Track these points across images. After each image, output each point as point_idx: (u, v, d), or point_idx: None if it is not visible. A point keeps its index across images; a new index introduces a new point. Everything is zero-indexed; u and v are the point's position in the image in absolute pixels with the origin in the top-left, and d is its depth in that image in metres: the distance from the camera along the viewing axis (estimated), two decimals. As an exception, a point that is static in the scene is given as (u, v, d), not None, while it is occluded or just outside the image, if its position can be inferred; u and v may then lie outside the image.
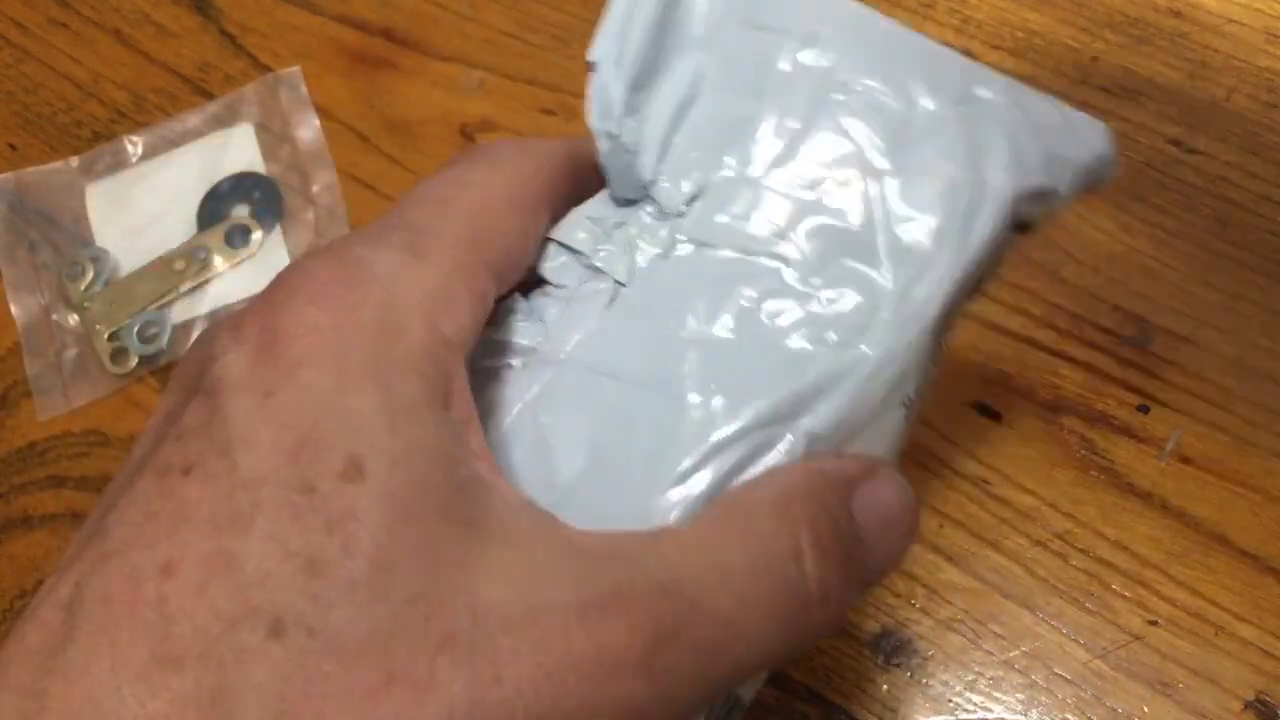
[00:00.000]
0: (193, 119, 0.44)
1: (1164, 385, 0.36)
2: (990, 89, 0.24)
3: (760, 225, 0.23)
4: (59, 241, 0.43)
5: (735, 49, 0.24)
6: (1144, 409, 0.36)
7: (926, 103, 0.24)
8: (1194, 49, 0.42)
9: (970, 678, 0.32)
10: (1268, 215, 0.39)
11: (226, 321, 0.20)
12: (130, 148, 0.44)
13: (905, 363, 0.22)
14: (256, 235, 0.42)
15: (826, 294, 0.22)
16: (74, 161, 0.44)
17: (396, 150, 0.43)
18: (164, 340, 0.41)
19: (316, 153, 0.43)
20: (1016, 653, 0.32)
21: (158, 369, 0.40)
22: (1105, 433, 0.35)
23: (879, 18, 0.25)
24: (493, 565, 0.19)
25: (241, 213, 0.42)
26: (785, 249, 0.23)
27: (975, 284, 0.24)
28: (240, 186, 0.43)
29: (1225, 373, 0.36)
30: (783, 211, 0.23)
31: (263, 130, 0.44)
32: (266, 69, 0.45)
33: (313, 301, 0.20)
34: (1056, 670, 0.32)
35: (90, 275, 0.41)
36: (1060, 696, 0.32)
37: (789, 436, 0.21)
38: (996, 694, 0.32)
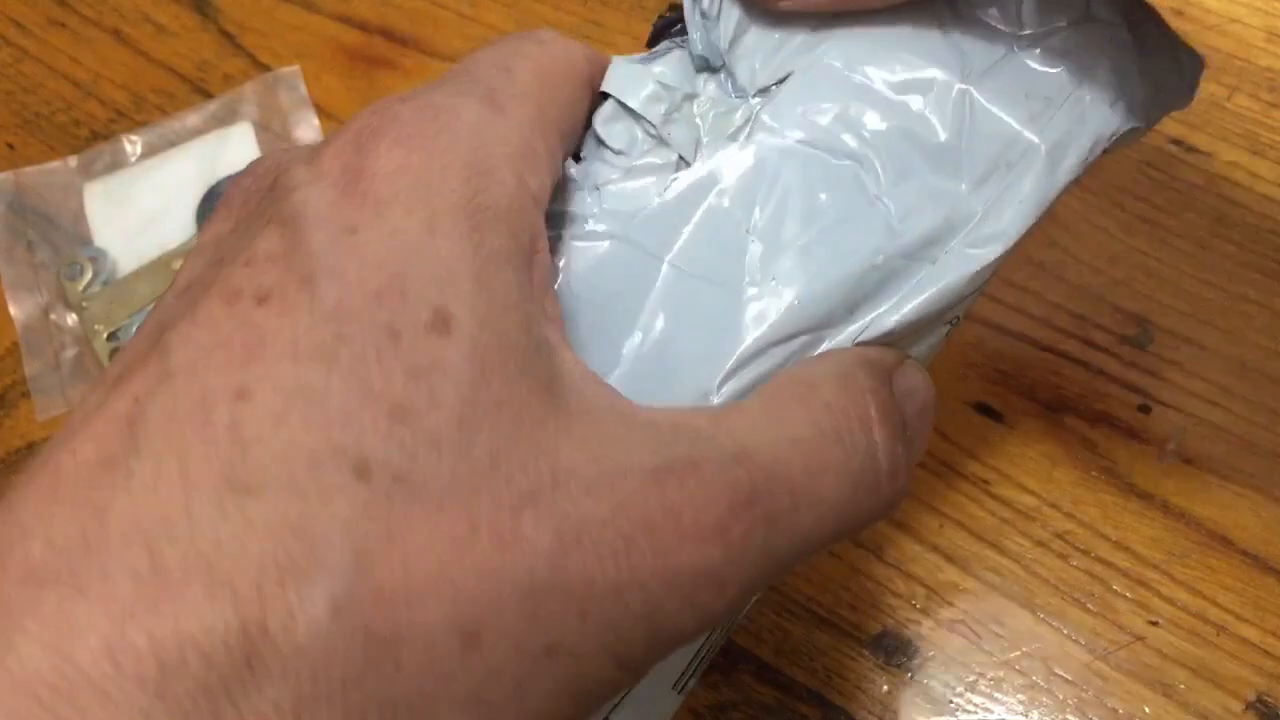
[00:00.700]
0: (192, 118, 0.44)
1: (1165, 385, 0.36)
2: (1110, 9, 0.23)
3: (842, 123, 0.22)
4: (58, 241, 0.43)
5: None
6: (1145, 409, 0.36)
7: (1034, 22, 0.23)
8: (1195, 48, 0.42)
9: (971, 678, 0.32)
10: (1268, 215, 0.39)
11: (298, 154, 0.20)
12: (129, 147, 0.44)
13: (969, 288, 0.22)
14: (256, 235, 0.42)
15: (903, 205, 0.22)
16: (73, 161, 0.44)
17: (396, 150, 0.43)
18: (163, 340, 0.40)
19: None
20: (1017, 653, 0.32)
21: (157, 369, 0.40)
22: (1106, 433, 0.35)
23: None
24: (570, 429, 0.18)
25: (240, 212, 0.42)
26: (866, 151, 0.22)
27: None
28: (239, 186, 0.43)
29: (1226, 373, 0.36)
30: (868, 112, 0.22)
31: (262, 129, 0.44)
32: (265, 68, 0.45)
33: (401, 143, 0.19)
34: (1057, 671, 0.32)
35: (89, 275, 0.41)
36: (1061, 697, 0.32)
37: (841, 339, 0.21)
38: (997, 695, 0.32)
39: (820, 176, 0.22)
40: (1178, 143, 0.40)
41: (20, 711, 0.14)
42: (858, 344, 0.21)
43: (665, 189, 0.22)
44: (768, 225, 0.21)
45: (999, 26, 0.24)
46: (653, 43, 0.24)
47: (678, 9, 0.24)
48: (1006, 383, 0.36)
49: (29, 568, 0.15)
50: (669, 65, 0.23)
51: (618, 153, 0.22)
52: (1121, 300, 0.37)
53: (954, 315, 0.22)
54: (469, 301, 0.18)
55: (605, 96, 0.23)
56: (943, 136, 0.22)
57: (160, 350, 0.17)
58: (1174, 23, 0.42)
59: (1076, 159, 0.23)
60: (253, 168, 0.21)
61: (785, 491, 0.19)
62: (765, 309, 0.21)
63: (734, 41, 0.23)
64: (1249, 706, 0.31)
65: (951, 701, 0.32)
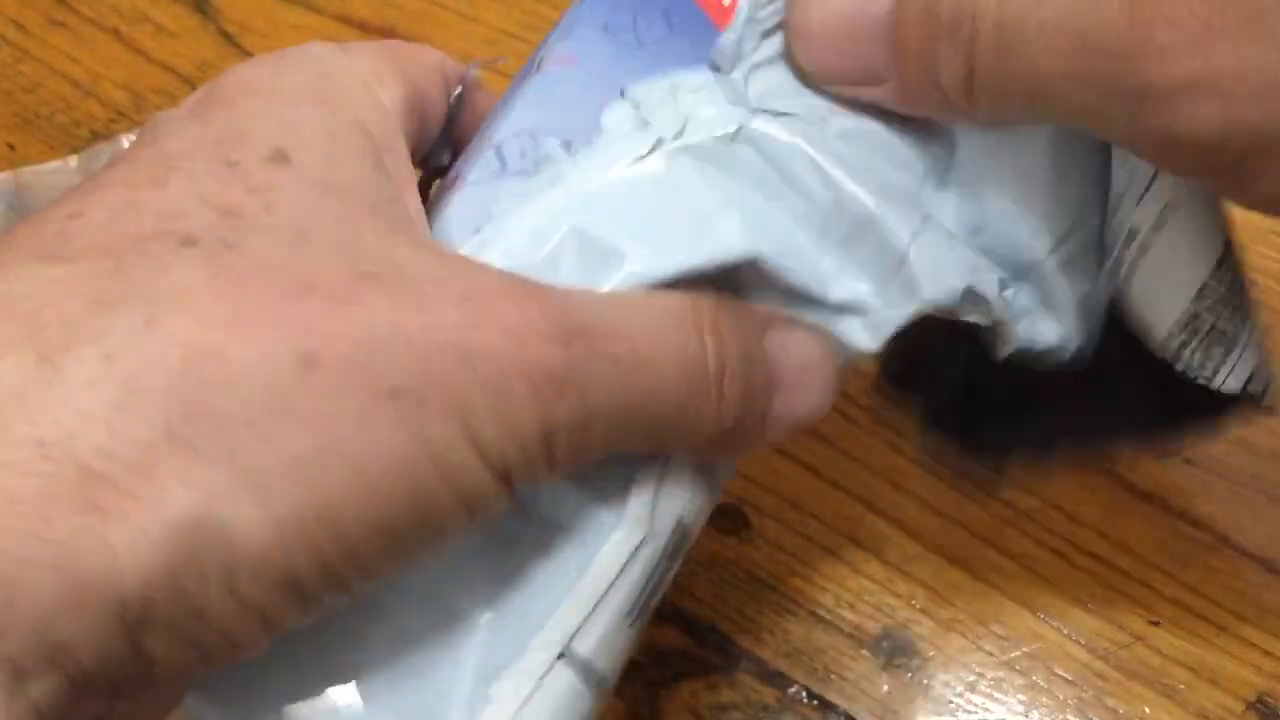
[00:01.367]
0: (192, 118, 0.44)
1: (1165, 385, 0.36)
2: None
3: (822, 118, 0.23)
4: (58, 241, 0.43)
5: None
6: (1145, 409, 0.36)
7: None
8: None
9: (971, 679, 0.32)
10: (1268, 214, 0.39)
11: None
12: (129, 147, 0.44)
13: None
14: (256, 235, 0.42)
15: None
16: (73, 161, 0.44)
17: (396, 150, 0.43)
18: (163, 340, 0.40)
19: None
20: (1018, 654, 0.32)
21: (157, 369, 0.40)
22: (1106, 433, 0.35)
23: None
24: (422, 250, 0.19)
25: (241, 212, 0.42)
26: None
27: None
28: (239, 186, 0.43)
29: (1226, 373, 0.36)
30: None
31: (262, 130, 0.44)
32: (266, 68, 0.45)
33: (251, 66, 0.21)
34: (1058, 671, 0.32)
35: (89, 275, 0.41)
36: (1061, 697, 0.32)
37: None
38: (998, 695, 0.32)
39: (786, 181, 0.23)
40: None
41: None
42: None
43: (630, 165, 0.22)
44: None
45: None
46: None
47: None
48: (1007, 383, 0.36)
49: None
50: (695, 70, 0.24)
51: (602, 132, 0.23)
52: (1122, 300, 0.37)
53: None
54: (312, 145, 0.20)
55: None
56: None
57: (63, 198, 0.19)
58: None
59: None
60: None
61: (626, 344, 0.20)
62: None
63: (762, 64, 0.23)
64: (1249, 707, 0.31)
65: (951, 702, 0.32)
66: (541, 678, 0.21)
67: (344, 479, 0.17)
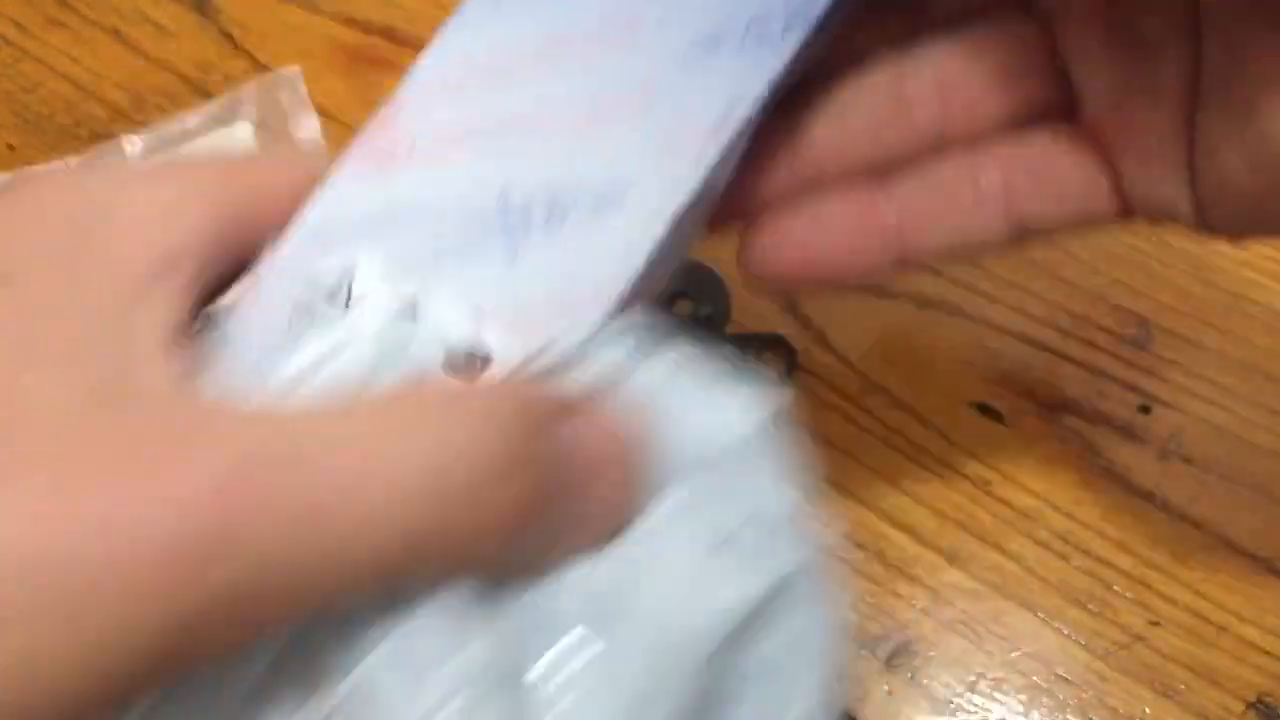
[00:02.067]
0: (192, 119, 0.44)
1: (1165, 385, 0.36)
2: None
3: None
4: (58, 242, 0.43)
5: None
6: (1145, 409, 0.36)
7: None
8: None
9: (972, 679, 0.32)
10: (1269, 215, 0.39)
11: None
12: (129, 148, 0.44)
13: None
14: (256, 235, 0.42)
15: None
16: (73, 161, 0.44)
17: (396, 150, 0.43)
18: (163, 341, 0.40)
19: (316, 152, 0.43)
20: (1018, 654, 0.32)
21: (157, 369, 0.40)
22: (1106, 433, 0.35)
23: None
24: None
25: (241, 213, 0.42)
26: None
27: None
28: (239, 186, 0.43)
29: (1226, 373, 0.36)
30: None
31: (262, 130, 0.44)
32: (266, 69, 0.45)
33: (40, 186, 0.20)
34: (1058, 671, 0.32)
35: (89, 275, 0.41)
36: (1061, 698, 0.32)
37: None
38: (998, 695, 0.32)
39: None
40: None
41: None
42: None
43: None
44: None
45: None
46: None
47: None
48: (1006, 383, 0.36)
49: None
50: None
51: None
52: (1122, 300, 0.37)
53: None
54: (33, 280, 0.18)
55: None
56: None
57: None
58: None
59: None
60: None
61: (329, 481, 0.16)
62: None
63: None
64: (1249, 707, 0.31)
65: (952, 702, 0.32)
66: None
67: None
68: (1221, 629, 0.32)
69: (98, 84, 0.46)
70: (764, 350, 0.37)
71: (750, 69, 0.23)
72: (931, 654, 0.32)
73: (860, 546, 0.34)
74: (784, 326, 0.37)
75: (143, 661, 0.15)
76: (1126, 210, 0.26)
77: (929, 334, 0.37)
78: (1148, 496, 0.34)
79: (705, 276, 0.37)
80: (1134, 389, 0.36)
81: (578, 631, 0.20)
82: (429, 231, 0.22)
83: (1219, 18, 0.23)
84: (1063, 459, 0.35)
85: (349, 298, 0.21)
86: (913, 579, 0.34)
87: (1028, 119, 0.26)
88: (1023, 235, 0.26)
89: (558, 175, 0.22)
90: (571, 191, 0.22)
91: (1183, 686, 0.32)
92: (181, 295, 0.19)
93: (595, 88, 0.23)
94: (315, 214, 0.22)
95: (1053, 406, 0.36)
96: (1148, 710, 0.31)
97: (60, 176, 0.20)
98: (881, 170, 0.26)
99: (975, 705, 0.32)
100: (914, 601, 0.33)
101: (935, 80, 0.25)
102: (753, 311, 0.37)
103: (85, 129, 0.45)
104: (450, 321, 0.21)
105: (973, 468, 0.35)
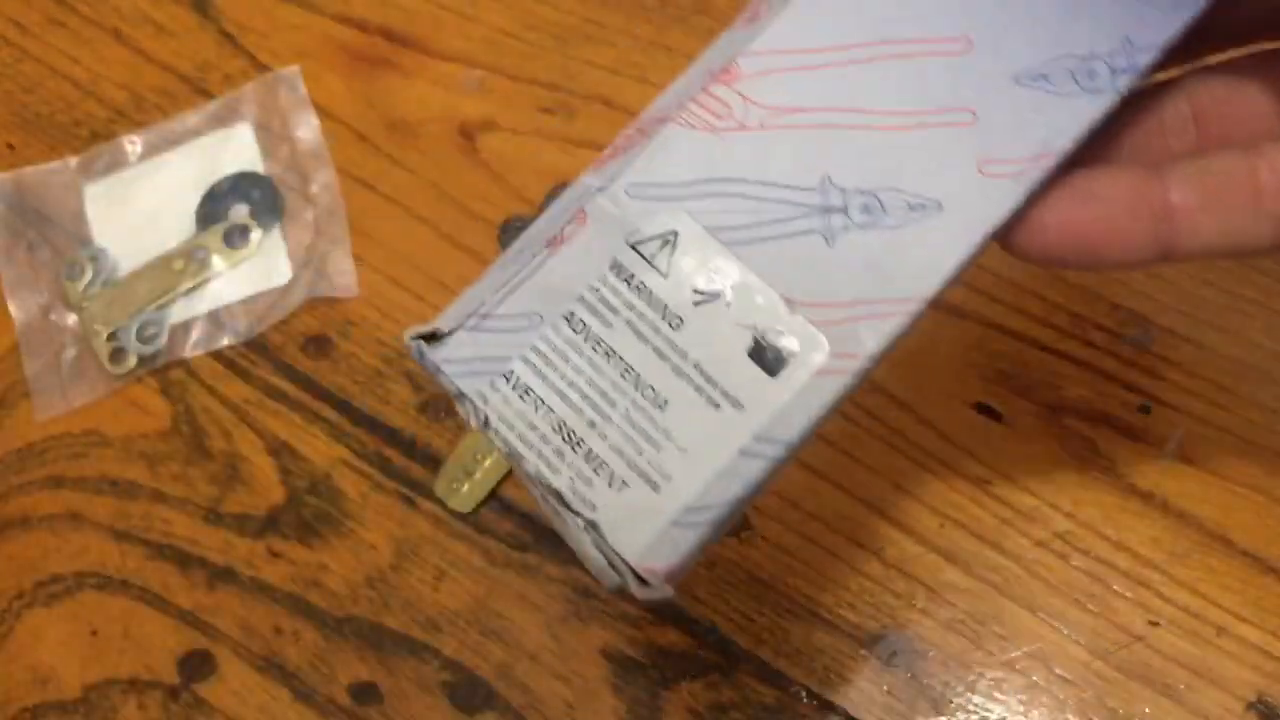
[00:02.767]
0: (192, 118, 0.44)
1: (1165, 385, 0.36)
2: None
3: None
4: (57, 241, 0.43)
5: None
6: (1145, 409, 0.36)
7: None
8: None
9: (971, 678, 0.32)
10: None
11: None
12: (129, 147, 0.44)
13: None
14: (255, 235, 0.42)
15: None
16: (72, 161, 0.44)
17: (396, 150, 0.43)
18: (162, 340, 0.40)
19: (315, 152, 0.43)
20: (1017, 653, 0.32)
21: (156, 369, 0.40)
22: (1106, 433, 0.35)
23: None
24: None
25: (240, 212, 0.42)
26: None
27: None
28: (239, 186, 0.43)
29: (1226, 373, 0.36)
30: None
31: (262, 130, 0.44)
32: (266, 68, 0.45)
33: None
34: (1057, 671, 0.32)
35: (89, 275, 0.41)
36: (1061, 697, 0.32)
37: None
38: (997, 695, 0.32)
39: None
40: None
41: None
42: None
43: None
44: None
45: None
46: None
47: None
48: (1006, 383, 0.36)
49: None
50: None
51: None
52: (1122, 300, 0.37)
53: None
54: None
55: None
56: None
57: None
58: None
59: None
60: None
61: None
62: None
63: None
64: (1249, 707, 0.31)
65: (951, 701, 0.32)
66: None
67: None
68: (1221, 629, 0.32)
69: (98, 84, 0.46)
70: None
71: (1075, 107, 0.24)
72: (931, 653, 0.32)
73: (860, 546, 0.34)
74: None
75: None
76: None
77: (929, 334, 0.37)
78: (1148, 497, 0.34)
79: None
80: (1134, 389, 0.36)
81: None
82: (750, 206, 0.23)
83: None
84: (1063, 459, 0.35)
85: (668, 265, 0.22)
86: (912, 578, 0.34)
87: None
88: None
89: (878, 173, 0.23)
90: (889, 191, 0.23)
91: (1183, 686, 0.32)
92: None
93: (922, 94, 0.23)
94: (647, 161, 0.23)
95: (1053, 406, 0.36)
96: (1147, 710, 0.31)
97: None
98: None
99: (974, 705, 0.32)
100: (914, 601, 0.33)
101: (1212, 97, 0.26)
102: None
103: (85, 129, 0.45)
104: (761, 307, 0.22)
105: (972, 467, 0.35)
